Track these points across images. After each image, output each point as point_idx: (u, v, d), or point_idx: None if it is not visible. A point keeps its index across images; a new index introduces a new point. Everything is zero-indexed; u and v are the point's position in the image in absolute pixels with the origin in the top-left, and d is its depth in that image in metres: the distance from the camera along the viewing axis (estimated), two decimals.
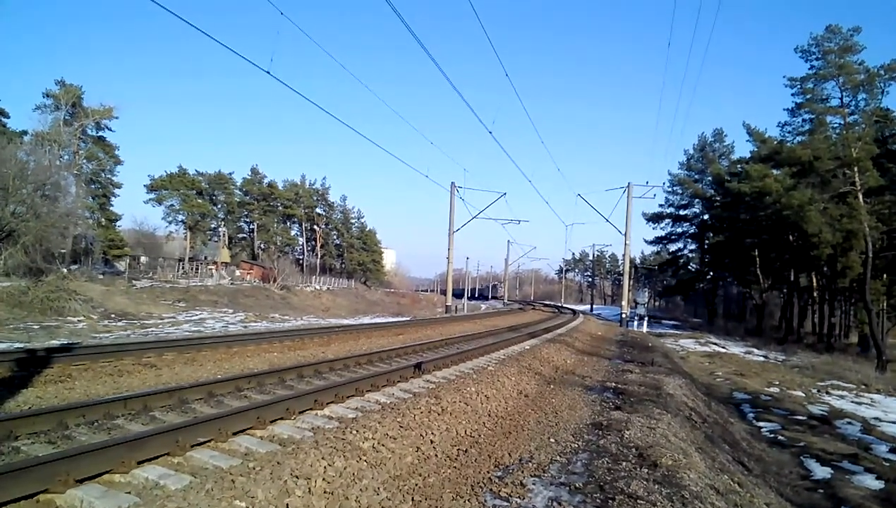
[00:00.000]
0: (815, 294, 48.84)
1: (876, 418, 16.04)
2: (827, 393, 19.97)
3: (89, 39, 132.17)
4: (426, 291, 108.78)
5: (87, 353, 10.66)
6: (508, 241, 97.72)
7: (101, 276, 38.05)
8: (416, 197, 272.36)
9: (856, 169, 33.80)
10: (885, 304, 41.61)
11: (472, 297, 78.92)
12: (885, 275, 39.58)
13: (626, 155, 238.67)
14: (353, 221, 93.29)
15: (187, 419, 6.54)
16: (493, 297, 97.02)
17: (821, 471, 10.50)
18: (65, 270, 34.17)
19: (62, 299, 24.43)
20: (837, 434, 13.67)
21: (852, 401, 18.72)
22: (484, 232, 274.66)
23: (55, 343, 14.55)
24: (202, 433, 5.88)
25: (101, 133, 50.10)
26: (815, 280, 48.06)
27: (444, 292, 50.89)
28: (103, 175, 50.99)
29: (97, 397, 7.68)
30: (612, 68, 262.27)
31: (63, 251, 38.42)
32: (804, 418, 15.35)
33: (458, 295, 62.08)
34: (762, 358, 30.08)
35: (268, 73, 12.13)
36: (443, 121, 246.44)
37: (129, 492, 4.54)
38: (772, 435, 13.34)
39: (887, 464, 11.18)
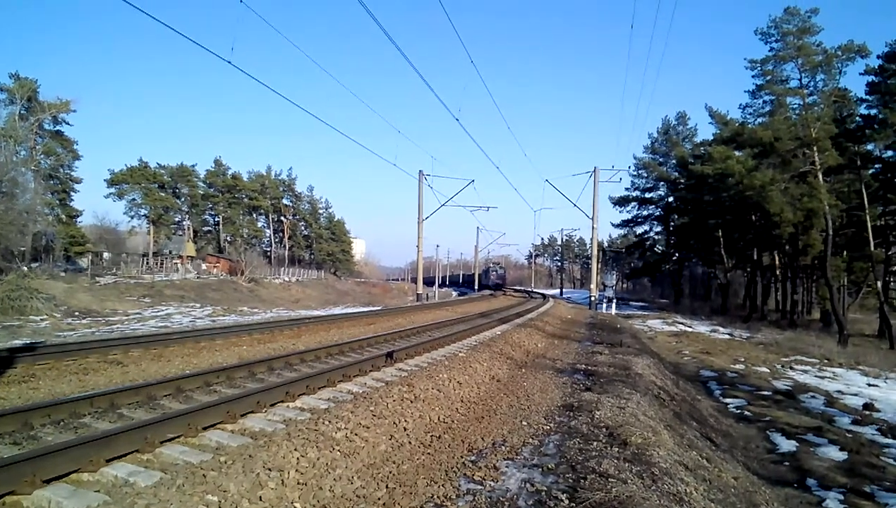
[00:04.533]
0: (777, 272, 49.90)
1: (839, 391, 16.47)
2: (791, 368, 20.46)
3: (43, 32, 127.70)
4: (397, 280, 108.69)
5: (50, 352, 10.42)
6: (478, 228, 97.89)
7: (63, 274, 37.22)
8: (384, 186, 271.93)
9: (815, 148, 34.39)
10: (845, 280, 42.72)
11: (443, 284, 78.99)
12: (844, 252, 40.53)
13: (593, 139, 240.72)
14: (320, 212, 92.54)
15: (156, 415, 6.43)
16: (466, 284, 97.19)
17: (786, 444, 10.77)
18: (25, 268, 33.31)
19: (23, 298, 23.88)
20: (802, 408, 14.02)
21: (816, 376, 19.21)
22: (454, 219, 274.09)
23: (17, 342, 14.22)
24: (171, 429, 5.80)
25: (58, 127, 49.04)
26: (777, 258, 49.10)
27: (415, 280, 50.88)
28: (62, 170, 49.88)
29: (62, 396, 7.52)
30: (577, 53, 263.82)
31: (23, 249, 37.44)
32: (769, 393, 15.72)
33: (429, 282, 62.08)
34: (728, 336, 30.67)
35: (229, 62, 11.91)
36: (410, 109, 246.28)
37: (99, 491, 4.46)
38: (738, 411, 13.64)
39: (850, 436, 11.51)
